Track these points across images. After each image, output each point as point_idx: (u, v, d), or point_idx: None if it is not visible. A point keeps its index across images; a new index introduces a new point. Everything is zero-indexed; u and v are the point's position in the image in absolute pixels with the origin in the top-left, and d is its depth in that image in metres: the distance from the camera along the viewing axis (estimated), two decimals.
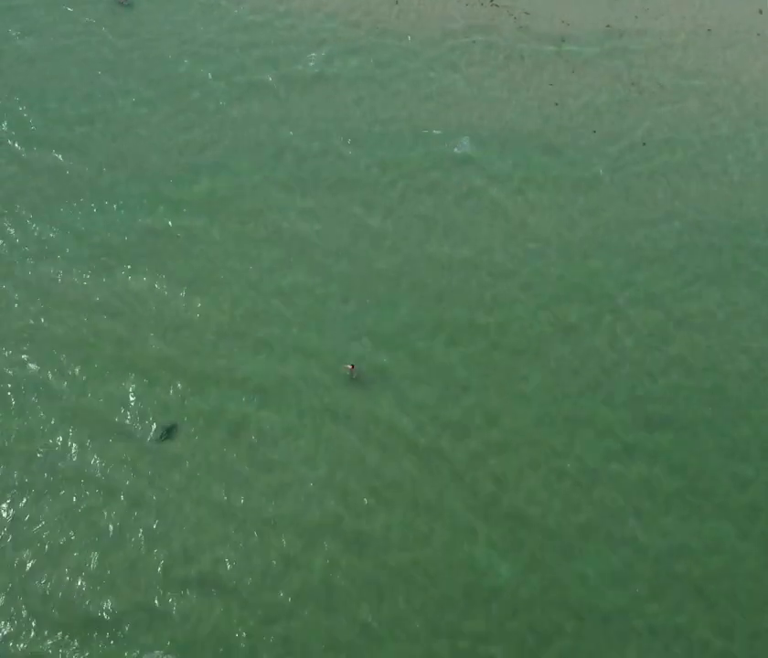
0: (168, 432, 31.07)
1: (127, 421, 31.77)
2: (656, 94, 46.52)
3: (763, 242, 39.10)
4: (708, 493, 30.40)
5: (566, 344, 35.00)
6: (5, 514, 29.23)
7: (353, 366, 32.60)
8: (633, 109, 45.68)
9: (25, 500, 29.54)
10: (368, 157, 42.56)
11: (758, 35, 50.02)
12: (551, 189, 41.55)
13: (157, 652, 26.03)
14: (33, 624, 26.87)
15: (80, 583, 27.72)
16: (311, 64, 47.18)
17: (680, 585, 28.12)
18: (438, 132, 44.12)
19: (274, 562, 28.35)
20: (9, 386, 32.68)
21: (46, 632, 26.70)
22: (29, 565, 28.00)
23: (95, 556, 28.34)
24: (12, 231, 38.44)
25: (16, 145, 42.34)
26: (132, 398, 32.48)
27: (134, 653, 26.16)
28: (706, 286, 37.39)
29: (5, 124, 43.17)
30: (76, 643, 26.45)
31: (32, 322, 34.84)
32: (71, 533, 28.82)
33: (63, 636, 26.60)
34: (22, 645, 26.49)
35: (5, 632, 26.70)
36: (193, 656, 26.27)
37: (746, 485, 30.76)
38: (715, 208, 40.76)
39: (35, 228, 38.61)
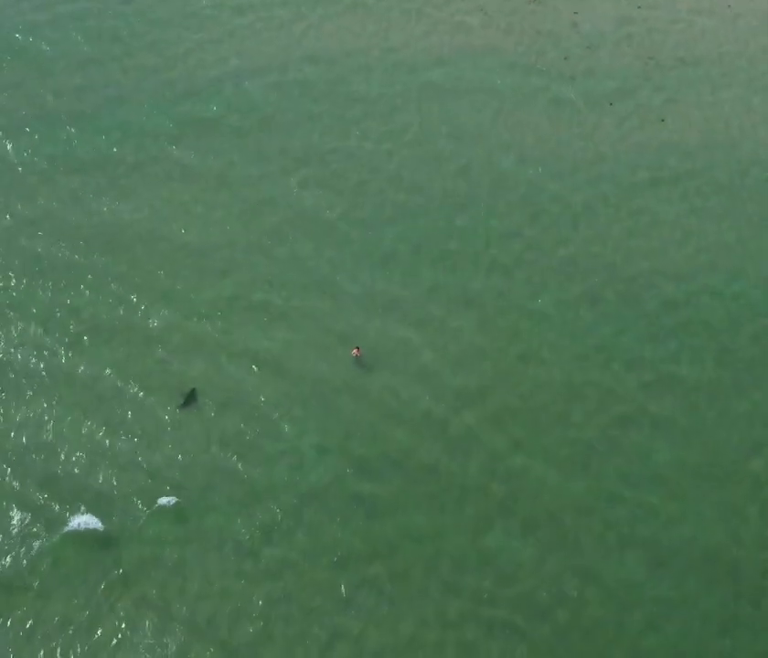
0: (189, 398, 29.93)
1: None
2: (668, 59, 46.83)
3: None
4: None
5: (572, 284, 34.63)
6: None
7: (358, 349, 31.58)
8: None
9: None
10: (378, 86, 43.90)
11: None
12: (559, 117, 42.74)
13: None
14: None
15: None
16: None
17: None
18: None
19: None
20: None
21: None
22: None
23: None
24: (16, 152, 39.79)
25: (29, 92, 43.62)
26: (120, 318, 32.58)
27: None
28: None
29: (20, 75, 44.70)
30: None
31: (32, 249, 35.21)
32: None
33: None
34: None
35: None
36: None
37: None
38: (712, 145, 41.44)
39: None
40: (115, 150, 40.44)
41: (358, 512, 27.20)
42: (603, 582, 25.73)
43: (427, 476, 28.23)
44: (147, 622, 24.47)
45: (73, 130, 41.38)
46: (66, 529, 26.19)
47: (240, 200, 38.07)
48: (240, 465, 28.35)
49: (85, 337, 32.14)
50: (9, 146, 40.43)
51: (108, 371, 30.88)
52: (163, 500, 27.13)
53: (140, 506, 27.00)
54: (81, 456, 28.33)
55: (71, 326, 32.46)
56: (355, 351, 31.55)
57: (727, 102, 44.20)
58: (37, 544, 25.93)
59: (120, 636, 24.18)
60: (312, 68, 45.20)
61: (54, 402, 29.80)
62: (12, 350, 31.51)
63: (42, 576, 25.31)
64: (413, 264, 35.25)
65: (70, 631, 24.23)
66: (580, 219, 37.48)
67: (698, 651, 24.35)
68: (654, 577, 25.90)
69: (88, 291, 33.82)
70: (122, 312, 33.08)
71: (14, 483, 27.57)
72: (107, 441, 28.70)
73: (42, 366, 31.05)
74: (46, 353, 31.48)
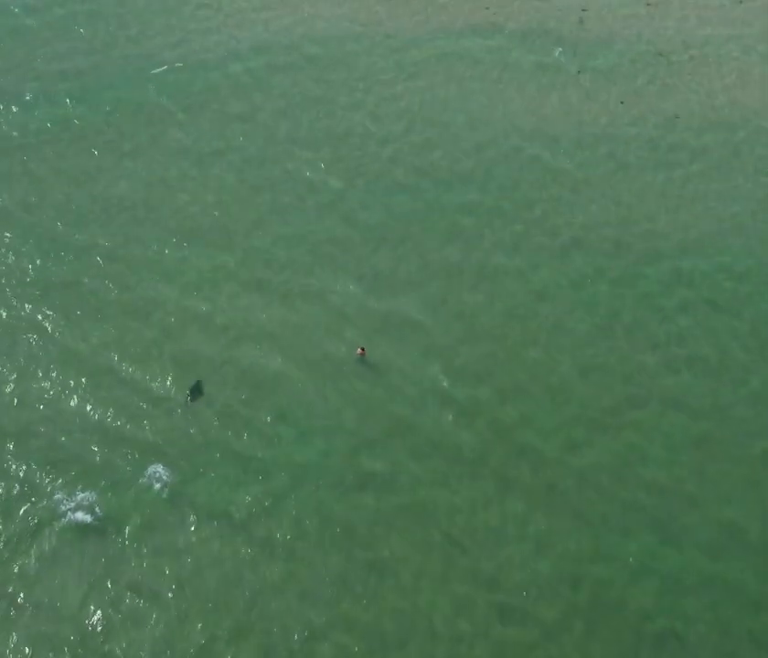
0: (194, 391, 29.11)
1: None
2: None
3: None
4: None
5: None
6: None
7: (363, 350, 30.50)
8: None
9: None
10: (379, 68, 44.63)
11: None
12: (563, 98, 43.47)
13: None
14: None
15: None
16: None
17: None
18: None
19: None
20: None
21: None
22: None
23: None
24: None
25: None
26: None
27: None
28: None
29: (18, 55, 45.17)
30: None
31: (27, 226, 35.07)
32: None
33: None
34: None
35: None
36: None
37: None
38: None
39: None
40: (114, 130, 40.45)
41: (359, 490, 26.43)
42: (613, 560, 24.85)
43: (431, 452, 27.54)
44: (137, 603, 23.66)
45: (72, 109, 41.42)
46: (63, 519, 25.43)
47: (239, 180, 37.77)
48: (236, 443, 27.62)
49: (78, 311, 31.77)
50: (5, 127, 40.38)
51: (102, 347, 30.35)
52: (154, 471, 26.58)
53: (132, 484, 26.32)
54: (73, 432, 27.69)
55: (65, 302, 32.05)
56: (359, 350, 30.49)
57: (732, 87, 44.58)
58: (23, 522, 25.14)
59: (109, 620, 23.32)
60: (312, 49, 45.82)
61: (46, 378, 29.21)
62: (5, 325, 31.10)
63: (27, 556, 24.52)
64: (416, 243, 34.74)
65: (57, 614, 23.36)
66: (583, 198, 37.11)
67: (714, 632, 23.43)
68: (665, 555, 25.02)
69: (82, 268, 33.47)
70: (117, 288, 32.60)
71: (3, 457, 26.97)
72: (99, 417, 28.05)
73: (35, 341, 30.53)
74: (39, 328, 30.96)
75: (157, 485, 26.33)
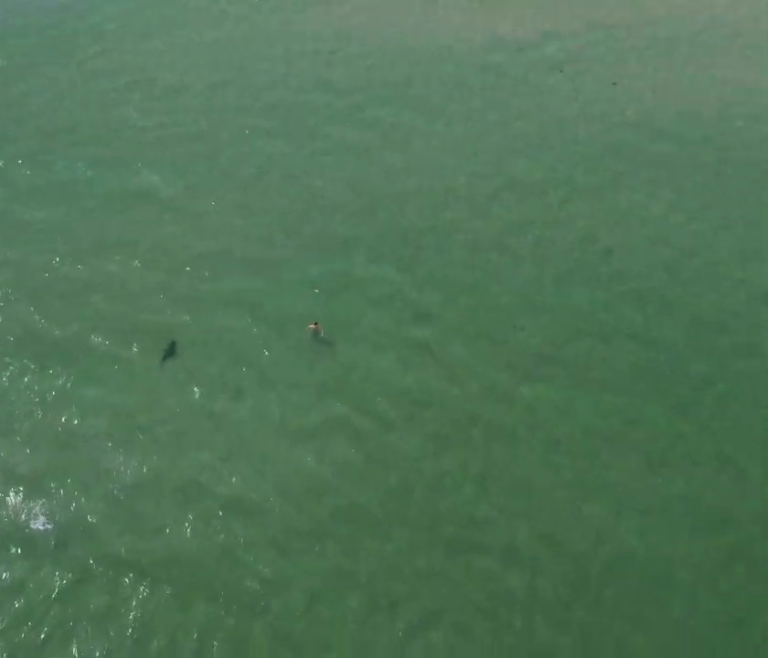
0: (168, 352, 27.90)
1: None
2: None
3: None
4: None
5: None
6: None
7: (317, 325, 28.55)
8: None
9: None
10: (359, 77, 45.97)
11: None
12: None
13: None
14: None
15: None
16: None
17: None
18: None
19: None
20: None
21: None
22: None
23: None
24: None
25: None
26: None
27: None
28: None
29: None
30: None
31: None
32: None
33: None
34: None
35: None
36: None
37: None
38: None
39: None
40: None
41: (356, 452, 24.67)
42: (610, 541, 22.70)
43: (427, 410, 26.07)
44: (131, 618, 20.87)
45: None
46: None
47: (226, 171, 37.65)
48: (218, 409, 26.05)
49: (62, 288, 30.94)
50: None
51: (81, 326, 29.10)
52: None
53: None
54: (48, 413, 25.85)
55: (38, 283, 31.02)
56: (312, 326, 28.43)
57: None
58: None
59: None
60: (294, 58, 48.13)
61: (22, 361, 27.72)
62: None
63: None
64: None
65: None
66: (580, 197, 36.04)
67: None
68: (651, 534, 22.81)
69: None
70: (102, 268, 31.65)
71: None
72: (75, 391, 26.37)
73: (10, 326, 29.15)
74: (12, 312, 29.67)
75: None
